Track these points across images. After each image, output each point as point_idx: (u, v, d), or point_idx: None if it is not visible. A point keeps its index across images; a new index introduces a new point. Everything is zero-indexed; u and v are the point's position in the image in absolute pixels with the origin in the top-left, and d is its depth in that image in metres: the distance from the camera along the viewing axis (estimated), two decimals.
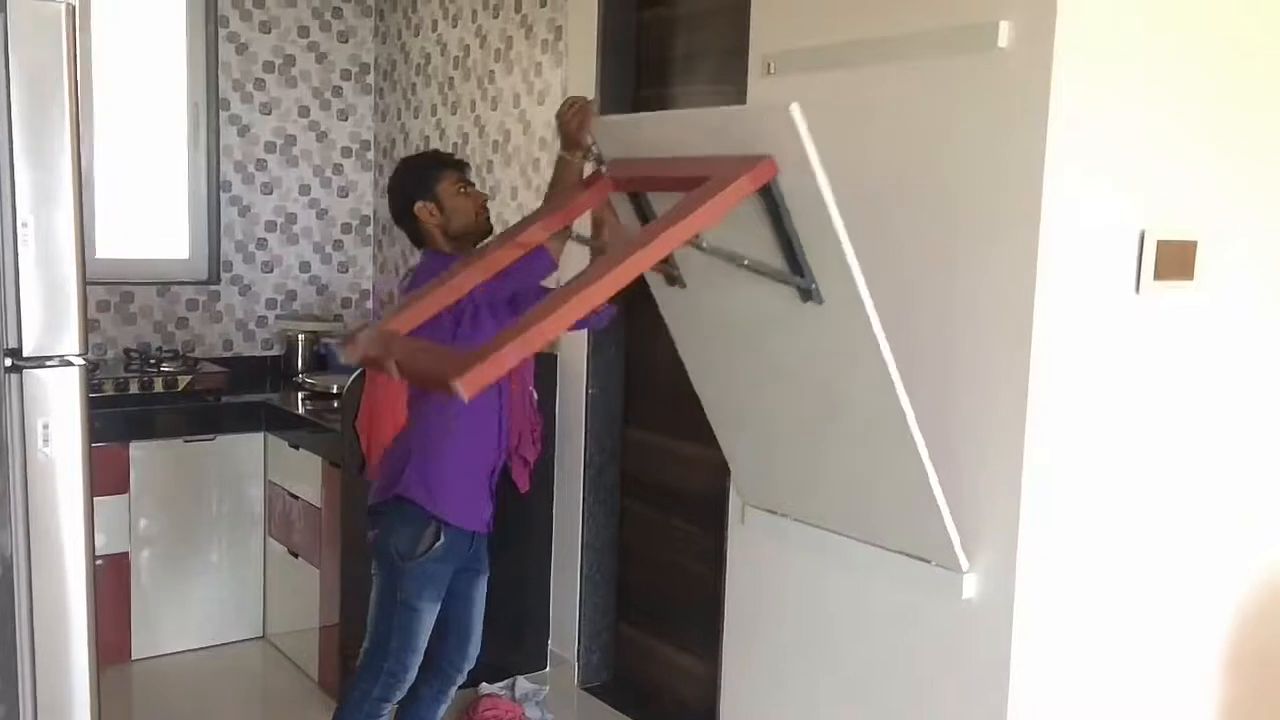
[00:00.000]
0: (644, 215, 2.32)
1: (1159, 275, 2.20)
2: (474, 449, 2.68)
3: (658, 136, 2.23)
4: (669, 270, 2.37)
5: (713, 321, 2.40)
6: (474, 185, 2.78)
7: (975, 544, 2.17)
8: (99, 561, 2.76)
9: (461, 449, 2.66)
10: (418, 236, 2.73)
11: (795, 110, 1.89)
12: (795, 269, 2.05)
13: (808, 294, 2.07)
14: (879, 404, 2.09)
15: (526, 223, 2.32)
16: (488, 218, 2.75)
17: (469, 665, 2.86)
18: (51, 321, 2.07)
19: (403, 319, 2.13)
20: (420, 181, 2.69)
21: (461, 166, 2.77)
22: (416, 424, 2.68)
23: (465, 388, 1.73)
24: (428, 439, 2.64)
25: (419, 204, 2.67)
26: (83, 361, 2.13)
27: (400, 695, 2.74)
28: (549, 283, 2.54)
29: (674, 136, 2.18)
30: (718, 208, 1.92)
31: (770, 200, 1.99)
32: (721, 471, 2.83)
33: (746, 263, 2.07)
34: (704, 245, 2.01)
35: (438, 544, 2.63)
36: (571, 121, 2.35)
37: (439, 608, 2.71)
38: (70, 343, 2.10)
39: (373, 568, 2.72)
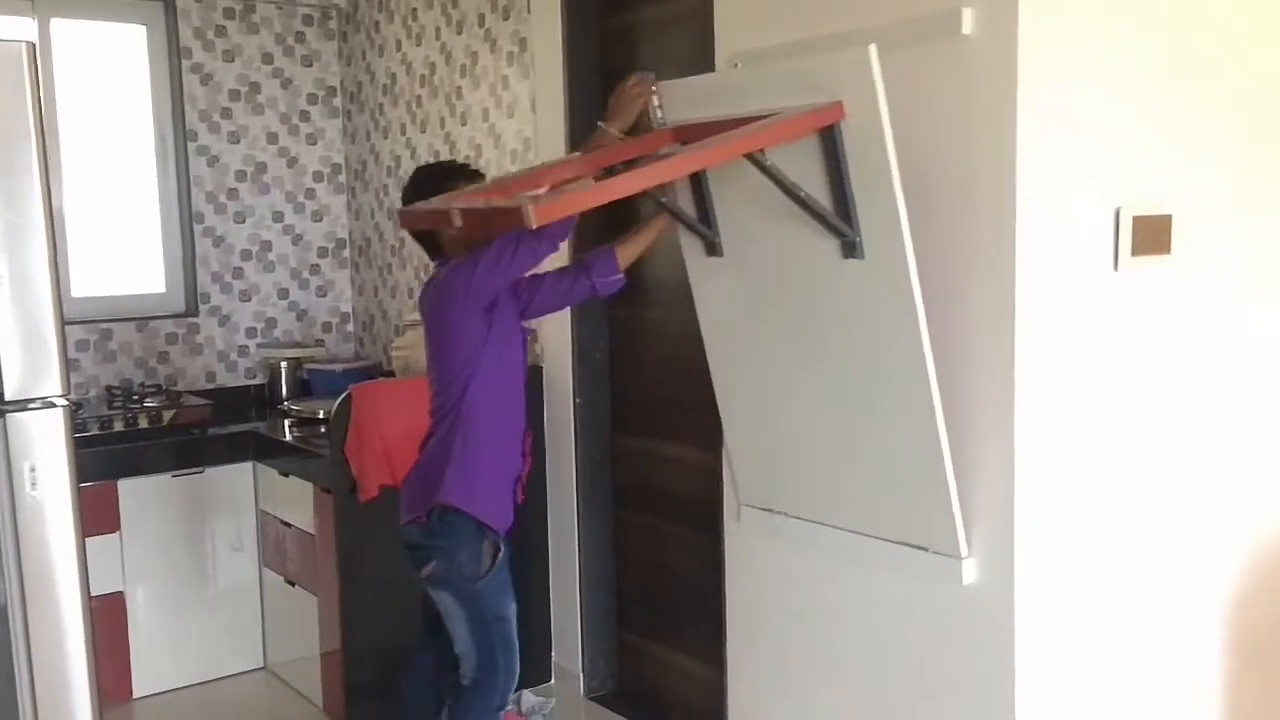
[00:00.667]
0: (700, 189, 2.40)
1: (1136, 251, 2.21)
2: (504, 453, 2.68)
3: (723, 96, 2.28)
4: (709, 237, 2.42)
5: (746, 291, 2.43)
6: None
7: (971, 528, 2.18)
8: (93, 602, 2.74)
9: (495, 453, 2.65)
10: (435, 247, 2.70)
11: (872, 51, 1.95)
12: (844, 220, 2.11)
13: (851, 248, 2.11)
14: (905, 370, 2.12)
15: (561, 160, 2.37)
16: None
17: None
18: (32, 364, 2.05)
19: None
20: (436, 192, 2.63)
21: (477, 177, 2.73)
22: (449, 432, 2.63)
23: (537, 215, 1.80)
24: (462, 445, 2.61)
25: None
26: (66, 402, 2.11)
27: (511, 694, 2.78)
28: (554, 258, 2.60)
29: (739, 95, 2.23)
30: (784, 130, 2.02)
31: (830, 146, 2.06)
32: (714, 474, 2.83)
33: (803, 194, 2.10)
34: (768, 162, 2.05)
35: (500, 554, 2.65)
36: (634, 90, 2.40)
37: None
38: (52, 384, 2.09)
39: (442, 599, 2.67)
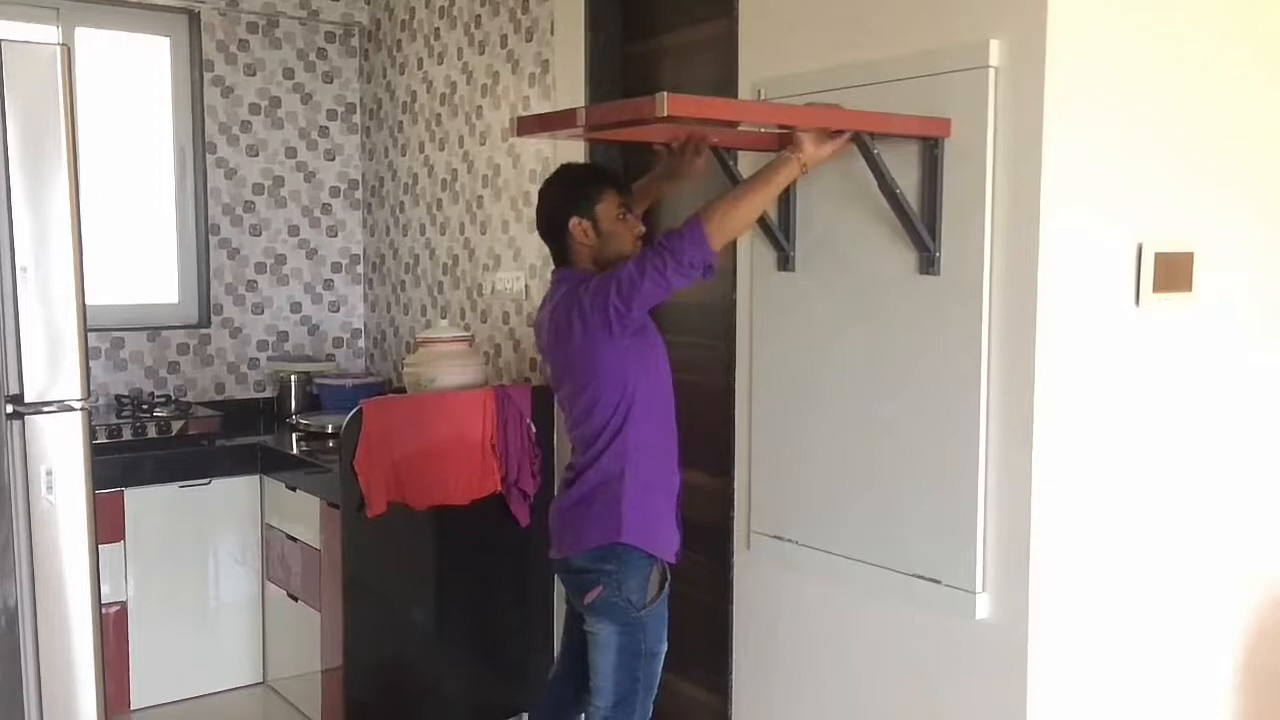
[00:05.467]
0: (788, 195, 2.49)
1: (1158, 287, 2.21)
2: (669, 476, 2.54)
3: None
4: (785, 249, 2.50)
5: (812, 307, 2.48)
6: (633, 211, 2.52)
7: (986, 562, 2.17)
8: None
9: (661, 480, 2.51)
10: (563, 253, 2.51)
11: (990, 75, 2.07)
12: (929, 234, 2.19)
13: (929, 263, 2.19)
14: (959, 393, 2.16)
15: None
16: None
17: None
18: (52, 367, 2.05)
19: None
20: (580, 196, 2.46)
21: (626, 189, 2.52)
22: (613, 464, 2.46)
23: (670, 105, 1.90)
24: (634, 480, 2.46)
25: (574, 220, 2.44)
26: (83, 406, 2.10)
27: None
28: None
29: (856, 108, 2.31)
30: (891, 120, 2.17)
31: (930, 159, 2.18)
32: (723, 500, 2.82)
33: (898, 191, 2.18)
34: (875, 150, 2.17)
35: (666, 583, 2.53)
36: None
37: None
38: (71, 387, 2.08)
39: (598, 628, 2.52)
